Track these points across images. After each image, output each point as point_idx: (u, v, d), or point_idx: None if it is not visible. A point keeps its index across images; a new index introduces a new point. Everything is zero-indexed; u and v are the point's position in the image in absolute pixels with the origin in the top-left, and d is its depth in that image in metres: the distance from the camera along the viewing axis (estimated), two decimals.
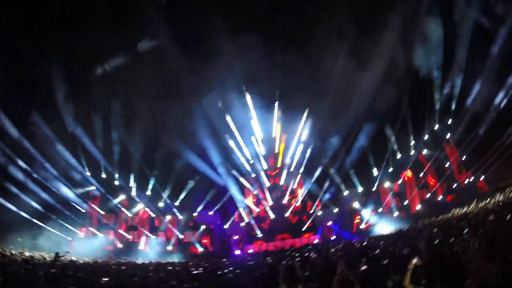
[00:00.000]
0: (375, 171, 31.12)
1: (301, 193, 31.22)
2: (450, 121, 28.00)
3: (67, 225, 24.77)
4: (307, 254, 14.31)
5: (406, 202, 30.11)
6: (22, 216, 21.73)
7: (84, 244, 25.09)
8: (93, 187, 27.41)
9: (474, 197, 24.07)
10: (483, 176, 26.44)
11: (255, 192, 31.86)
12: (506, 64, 21.77)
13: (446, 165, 28.85)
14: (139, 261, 21.80)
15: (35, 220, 22.61)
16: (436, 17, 24.09)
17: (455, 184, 28.30)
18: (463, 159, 27.62)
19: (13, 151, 21.50)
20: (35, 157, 22.97)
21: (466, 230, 8.74)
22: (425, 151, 29.85)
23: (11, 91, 19.99)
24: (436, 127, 28.88)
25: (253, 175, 32.21)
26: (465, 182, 27.62)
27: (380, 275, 6.59)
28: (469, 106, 25.51)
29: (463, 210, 20.23)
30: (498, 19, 21.45)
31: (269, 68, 26.32)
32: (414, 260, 5.60)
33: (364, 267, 7.09)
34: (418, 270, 5.71)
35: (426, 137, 29.42)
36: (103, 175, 28.51)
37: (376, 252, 9.92)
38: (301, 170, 31.32)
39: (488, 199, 20.43)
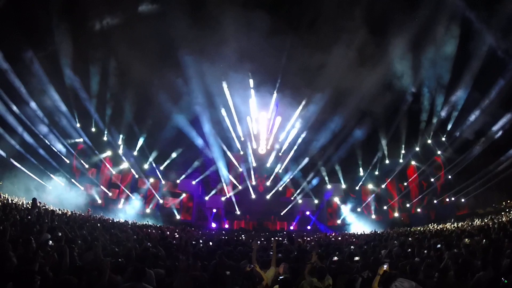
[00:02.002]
0: (361, 171, 31.39)
1: (286, 178, 31.31)
2: (443, 139, 28.23)
3: (48, 173, 24.45)
4: (281, 239, 14.53)
5: (385, 207, 30.57)
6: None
7: (63, 195, 24.83)
8: (80, 139, 26.96)
9: (452, 217, 24.54)
10: (463, 199, 26.91)
11: (241, 170, 31.86)
12: (509, 99, 21.95)
13: (431, 180, 29.24)
14: (116, 219, 21.78)
15: (13, 162, 22.20)
16: (451, 37, 23.87)
17: (436, 201, 28.74)
18: (448, 177, 27.99)
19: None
20: (24, 98, 22.42)
21: (439, 246, 8.89)
22: (413, 162, 30.15)
23: (11, 25, 19.49)
24: (429, 141, 29.10)
25: (241, 153, 32.21)
26: (446, 200, 28.06)
27: (350, 270, 6.73)
28: (464, 130, 25.79)
29: (439, 227, 20.61)
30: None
31: (275, 51, 26.12)
32: (385, 266, 5.73)
33: (335, 258, 7.26)
34: (387, 276, 5.84)
35: (417, 149, 29.66)
36: (93, 129, 28.07)
37: (350, 248, 10.10)
38: (290, 156, 31.38)
39: (466, 221, 20.85)
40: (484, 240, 9.41)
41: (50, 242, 7.24)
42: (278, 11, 25.73)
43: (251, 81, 29.81)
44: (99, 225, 13.77)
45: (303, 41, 25.65)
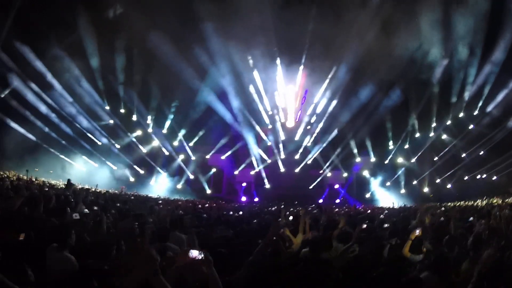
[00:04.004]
0: (390, 144, 30.86)
1: (315, 151, 31.11)
2: (476, 113, 27.33)
3: (81, 154, 25.71)
4: (310, 209, 14.69)
5: (414, 182, 30.08)
6: (31, 140, 22.25)
7: (97, 175, 25.70)
8: (111, 121, 27.69)
9: (484, 194, 23.93)
10: (495, 177, 26.21)
11: (270, 143, 31.76)
12: None
13: (463, 155, 28.47)
14: (149, 195, 22.49)
15: (52, 149, 23.37)
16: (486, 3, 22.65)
17: (467, 177, 28.06)
18: (480, 153, 27.19)
19: (29, 76, 21.59)
20: (52, 84, 23.17)
21: (471, 218, 8.80)
22: (445, 136, 29.38)
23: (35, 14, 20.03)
24: (461, 115, 28.24)
25: (270, 126, 32.02)
26: (477, 177, 27.38)
27: (378, 237, 6.76)
28: (498, 103, 24.97)
29: (470, 203, 20.22)
30: None
31: (300, 22, 25.80)
32: (417, 231, 5.74)
33: (364, 226, 7.30)
34: (419, 241, 5.85)
35: (448, 122, 28.88)
36: (122, 110, 28.77)
37: (379, 217, 10.12)
38: (318, 129, 31.04)
39: (497, 198, 20.38)
40: None
41: (86, 210, 7.62)
42: None
43: (276, 54, 29.33)
44: (132, 197, 14.37)
45: (328, 10, 24.92)
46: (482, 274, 3.40)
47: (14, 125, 21.44)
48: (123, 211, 9.01)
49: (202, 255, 2.83)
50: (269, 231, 4.18)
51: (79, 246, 4.46)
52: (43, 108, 22.70)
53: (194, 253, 2.83)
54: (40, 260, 4.02)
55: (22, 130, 21.77)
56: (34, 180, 16.49)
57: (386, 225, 7.45)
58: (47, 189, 12.76)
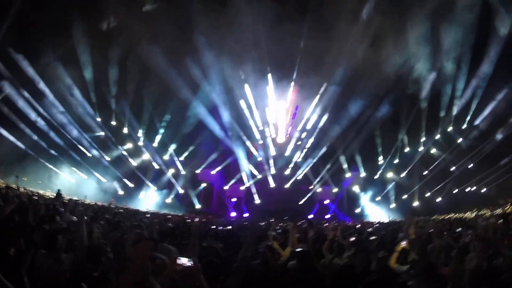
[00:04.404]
0: (380, 159, 31.04)
1: (305, 166, 31.14)
2: (464, 126, 27.73)
3: (70, 166, 25.60)
4: (299, 224, 14.71)
5: (404, 196, 30.25)
6: (20, 148, 22.07)
7: (86, 187, 25.39)
8: (102, 133, 27.62)
9: (474, 206, 24.17)
10: (484, 189, 26.51)
11: (260, 159, 31.83)
12: None
13: (452, 169, 28.76)
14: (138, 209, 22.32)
15: (41, 158, 23.28)
16: (472, 19, 23.13)
17: (456, 190, 28.32)
18: (469, 166, 27.51)
19: (22, 83, 21.59)
20: (44, 93, 23.15)
21: (459, 229, 8.92)
22: (434, 150, 29.71)
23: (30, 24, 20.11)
24: (450, 129, 28.65)
25: (260, 142, 32.01)
26: (467, 189, 27.65)
27: (366, 250, 6.82)
28: (485, 116, 25.40)
29: (460, 216, 20.42)
30: None
31: (291, 40, 26.19)
32: (403, 243, 5.82)
33: (353, 239, 7.37)
34: (405, 253, 5.92)
35: (437, 136, 29.24)
36: (113, 122, 28.70)
37: (368, 230, 10.20)
38: (309, 144, 31.13)
39: (486, 209, 20.58)
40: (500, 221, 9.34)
41: (75, 218, 7.62)
42: None
43: (268, 69, 29.58)
44: (121, 210, 14.31)
45: (319, 27, 25.26)
46: (467, 280, 3.48)
47: (4, 132, 21.30)
48: (112, 223, 8.98)
49: (191, 262, 2.90)
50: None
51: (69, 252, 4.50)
52: (33, 116, 22.61)
53: (183, 260, 2.90)
54: (30, 266, 4.04)
55: (12, 138, 21.63)
56: (23, 189, 16.36)
57: (373, 238, 7.54)
58: (36, 197, 12.69)
